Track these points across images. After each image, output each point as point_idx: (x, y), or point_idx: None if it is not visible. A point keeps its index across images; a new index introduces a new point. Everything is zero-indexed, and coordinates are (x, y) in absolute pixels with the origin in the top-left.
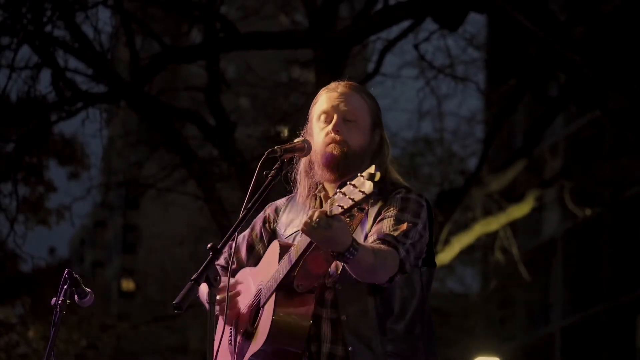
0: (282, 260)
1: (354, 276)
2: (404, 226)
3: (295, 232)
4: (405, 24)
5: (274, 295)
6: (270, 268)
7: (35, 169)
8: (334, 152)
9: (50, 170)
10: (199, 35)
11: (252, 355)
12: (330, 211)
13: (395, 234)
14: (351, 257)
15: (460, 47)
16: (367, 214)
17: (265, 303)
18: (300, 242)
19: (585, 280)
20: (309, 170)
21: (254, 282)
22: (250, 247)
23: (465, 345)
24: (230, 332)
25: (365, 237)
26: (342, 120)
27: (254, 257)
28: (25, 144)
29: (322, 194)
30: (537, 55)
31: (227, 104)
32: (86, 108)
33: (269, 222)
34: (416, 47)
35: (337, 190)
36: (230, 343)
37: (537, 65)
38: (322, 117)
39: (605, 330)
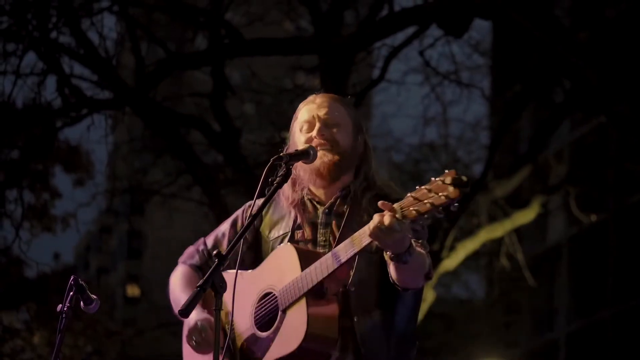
0: (319, 263)
1: (398, 280)
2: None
3: (282, 234)
4: (410, 30)
5: (304, 299)
6: (285, 272)
7: (41, 176)
8: (325, 159)
9: (55, 176)
10: (204, 41)
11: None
12: (402, 214)
13: (420, 242)
14: (410, 257)
15: (465, 54)
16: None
17: (289, 307)
18: (353, 243)
19: (590, 286)
20: (294, 178)
21: (255, 286)
22: (230, 242)
23: (470, 350)
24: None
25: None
26: (325, 125)
27: (234, 255)
28: (30, 151)
29: (310, 197)
30: (541, 61)
31: (232, 110)
32: (91, 114)
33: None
34: (421, 53)
35: (408, 195)
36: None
37: (541, 71)
38: (305, 127)
39: (610, 336)
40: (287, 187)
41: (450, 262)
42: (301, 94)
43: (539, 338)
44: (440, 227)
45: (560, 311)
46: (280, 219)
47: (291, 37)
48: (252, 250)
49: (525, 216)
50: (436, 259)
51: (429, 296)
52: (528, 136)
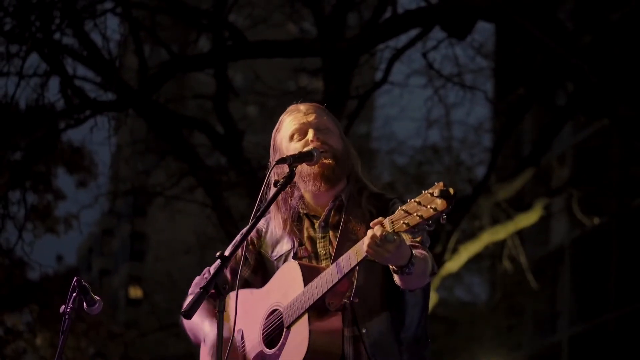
0: (319, 278)
1: (403, 286)
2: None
3: (286, 251)
4: (414, 32)
5: (306, 315)
6: (290, 289)
7: (44, 177)
8: (326, 161)
9: (58, 178)
10: (207, 43)
11: None
12: (393, 229)
13: (418, 239)
14: (412, 267)
15: (469, 56)
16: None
17: (292, 323)
18: (351, 255)
19: (593, 289)
20: (286, 198)
21: (263, 303)
22: (233, 271)
23: (473, 353)
24: (241, 349)
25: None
26: (318, 130)
27: (240, 280)
28: (33, 152)
29: (306, 212)
30: (545, 64)
31: (235, 112)
32: (94, 116)
33: (253, 245)
34: (424, 55)
35: (399, 208)
36: None
37: (545, 74)
38: (295, 136)
39: (613, 339)
40: (278, 214)
41: (453, 265)
42: (304, 96)
43: (541, 341)
44: (443, 230)
45: (563, 314)
46: (281, 237)
47: (294, 40)
48: (257, 274)
49: (527, 219)
50: (439, 261)
51: (431, 299)
52: (531, 139)
